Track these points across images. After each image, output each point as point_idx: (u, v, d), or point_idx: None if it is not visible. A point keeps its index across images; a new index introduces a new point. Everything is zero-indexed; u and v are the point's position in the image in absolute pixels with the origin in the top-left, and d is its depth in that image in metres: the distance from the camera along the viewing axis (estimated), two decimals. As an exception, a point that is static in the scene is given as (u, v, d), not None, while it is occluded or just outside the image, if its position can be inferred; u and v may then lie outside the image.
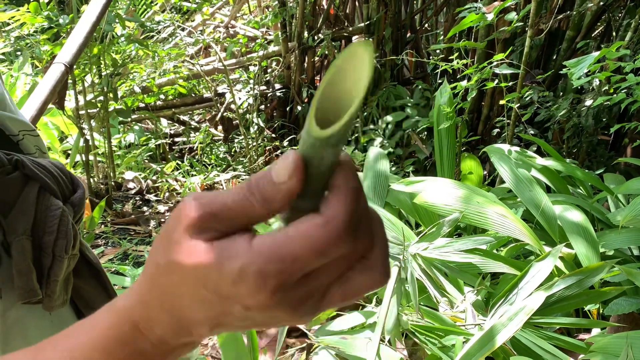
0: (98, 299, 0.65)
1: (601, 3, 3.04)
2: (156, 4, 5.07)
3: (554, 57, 3.57)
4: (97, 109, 4.04)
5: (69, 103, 4.02)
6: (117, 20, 3.60)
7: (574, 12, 3.18)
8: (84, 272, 0.63)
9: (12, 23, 3.62)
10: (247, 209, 0.32)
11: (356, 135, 4.04)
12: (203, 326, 0.35)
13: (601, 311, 1.84)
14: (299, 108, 4.65)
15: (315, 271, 0.32)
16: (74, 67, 2.07)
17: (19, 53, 5.17)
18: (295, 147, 0.34)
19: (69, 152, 4.25)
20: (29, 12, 3.36)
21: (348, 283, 0.34)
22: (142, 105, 4.94)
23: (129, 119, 4.79)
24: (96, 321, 0.39)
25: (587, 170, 2.45)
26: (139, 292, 0.37)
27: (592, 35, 3.40)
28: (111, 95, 3.92)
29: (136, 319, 0.37)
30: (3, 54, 4.69)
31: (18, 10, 3.44)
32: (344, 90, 0.31)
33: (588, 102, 2.90)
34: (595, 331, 1.80)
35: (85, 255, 0.63)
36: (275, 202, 0.32)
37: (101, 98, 3.93)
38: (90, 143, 3.98)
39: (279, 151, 4.53)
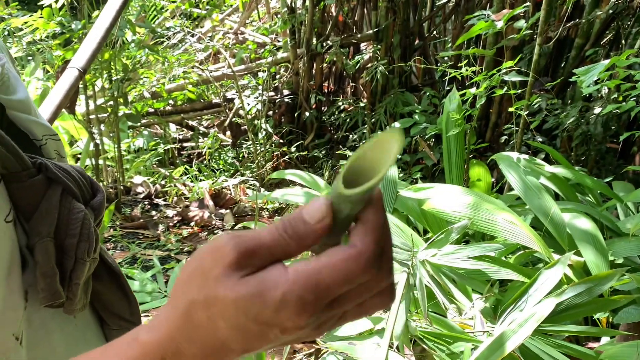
0: (117, 302, 0.65)
1: (610, 11, 3.04)
2: (167, 10, 5.12)
3: (563, 65, 3.57)
4: (107, 113, 4.08)
5: (80, 107, 4.06)
6: (128, 26, 3.63)
7: (583, 20, 3.18)
8: (103, 276, 0.63)
9: (25, 28, 3.66)
10: (282, 246, 0.36)
11: (364, 142, 4.05)
12: (236, 352, 0.38)
13: (611, 319, 1.83)
14: (307, 114, 4.66)
15: (342, 298, 0.36)
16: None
17: (30, 58, 5.23)
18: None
19: (79, 156, 4.29)
20: (42, 17, 3.41)
21: (363, 306, 0.38)
22: (151, 110, 4.97)
23: (139, 124, 4.82)
24: (119, 352, 0.39)
25: (596, 178, 2.44)
26: (169, 327, 0.38)
27: (601, 42, 3.40)
28: (121, 100, 3.95)
29: (164, 354, 0.38)
30: (15, 58, 4.74)
31: (31, 15, 3.49)
32: (374, 160, 0.36)
33: (597, 110, 2.89)
34: (605, 340, 1.79)
35: (105, 259, 0.62)
36: (309, 239, 0.36)
37: (111, 103, 3.96)
38: (100, 147, 4.01)
39: (286, 157, 4.54)
